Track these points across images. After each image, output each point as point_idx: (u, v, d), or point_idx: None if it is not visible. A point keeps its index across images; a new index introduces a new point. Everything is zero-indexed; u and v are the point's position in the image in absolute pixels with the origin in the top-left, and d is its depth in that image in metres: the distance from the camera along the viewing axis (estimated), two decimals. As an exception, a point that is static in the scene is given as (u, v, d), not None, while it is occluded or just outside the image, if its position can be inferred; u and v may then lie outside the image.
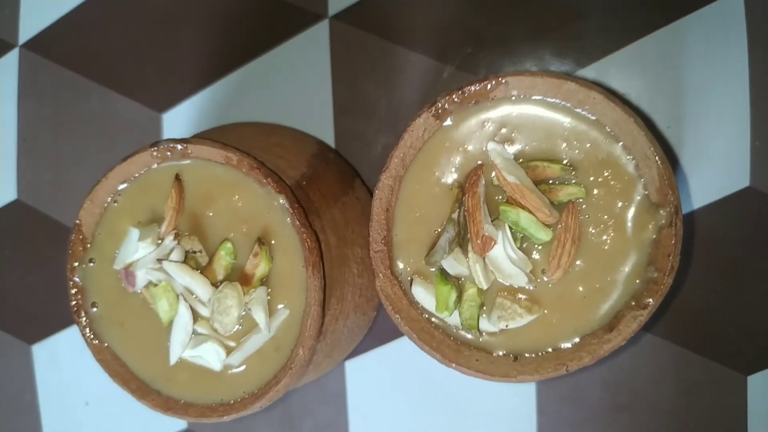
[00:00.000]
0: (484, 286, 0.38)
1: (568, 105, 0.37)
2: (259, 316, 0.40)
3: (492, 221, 0.38)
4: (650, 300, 0.36)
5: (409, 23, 0.53)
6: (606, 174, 0.37)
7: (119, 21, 0.60)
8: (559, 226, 0.38)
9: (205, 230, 0.42)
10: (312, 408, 0.57)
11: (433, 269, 0.40)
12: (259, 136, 0.47)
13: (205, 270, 0.42)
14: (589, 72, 0.50)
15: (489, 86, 0.38)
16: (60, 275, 0.61)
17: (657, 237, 0.37)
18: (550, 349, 0.39)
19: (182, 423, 0.60)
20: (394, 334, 0.55)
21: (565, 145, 0.38)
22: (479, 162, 0.39)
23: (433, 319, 0.41)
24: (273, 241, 0.41)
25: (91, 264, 0.44)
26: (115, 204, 0.43)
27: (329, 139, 0.54)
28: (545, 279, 0.39)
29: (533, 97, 0.38)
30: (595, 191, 0.38)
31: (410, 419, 0.55)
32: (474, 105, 0.39)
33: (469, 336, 0.40)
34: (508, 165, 0.38)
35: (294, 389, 0.56)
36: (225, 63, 0.57)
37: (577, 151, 0.38)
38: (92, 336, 0.44)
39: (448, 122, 0.39)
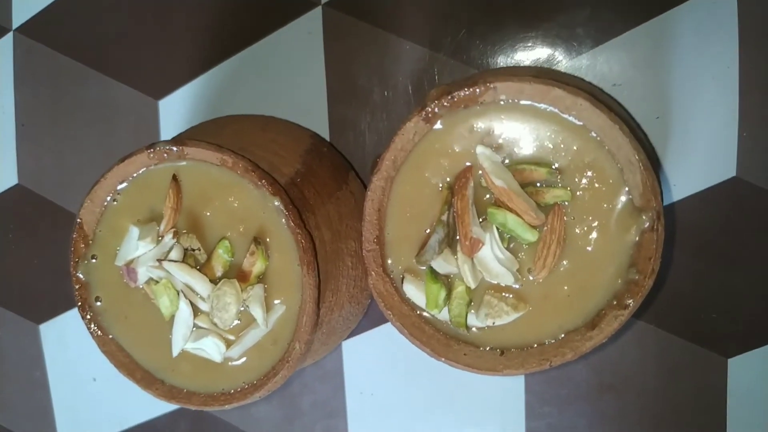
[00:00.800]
0: (473, 285, 0.40)
1: (556, 110, 0.38)
2: (257, 312, 0.42)
3: (480, 222, 0.40)
4: (631, 301, 0.38)
5: (402, 11, 0.53)
6: (591, 177, 0.38)
7: (114, 6, 0.60)
8: (545, 227, 0.39)
9: (203, 229, 0.43)
10: (311, 385, 0.59)
11: (424, 267, 0.41)
12: (254, 132, 0.48)
13: (203, 267, 0.43)
14: (580, 61, 0.51)
15: (478, 91, 0.38)
16: (64, 258, 0.63)
17: (639, 240, 0.38)
18: (535, 345, 0.40)
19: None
20: (382, 321, 0.57)
21: (552, 148, 0.39)
22: (468, 164, 0.40)
23: (423, 314, 0.42)
24: (269, 240, 0.42)
25: (94, 260, 0.45)
26: (115, 203, 0.44)
27: (323, 128, 0.55)
28: (531, 278, 0.40)
29: (521, 102, 0.39)
30: (581, 194, 0.39)
31: (404, 395, 0.58)
32: (463, 109, 0.39)
33: (458, 330, 0.41)
34: (495, 168, 0.39)
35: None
36: (220, 50, 0.57)
37: (563, 155, 0.39)
38: (97, 329, 0.45)
39: (438, 126, 0.40)
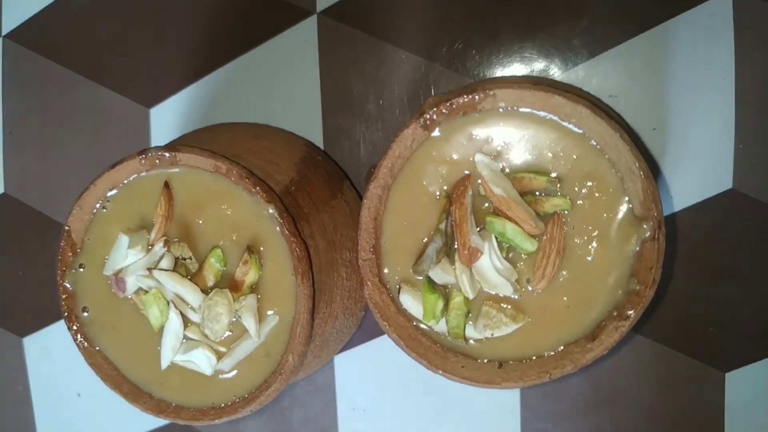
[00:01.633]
0: (471, 296, 0.39)
1: (555, 118, 0.38)
2: (249, 323, 0.41)
3: (479, 230, 0.39)
4: (632, 312, 0.37)
5: (398, 21, 0.53)
6: (591, 186, 0.38)
7: (105, 13, 0.59)
8: (545, 237, 0.38)
9: (195, 237, 0.42)
10: (302, 399, 0.58)
11: (421, 278, 0.41)
12: (249, 139, 0.47)
13: (195, 277, 0.42)
14: (577, 72, 0.50)
15: (477, 98, 0.38)
16: (49, 269, 0.62)
17: (640, 249, 0.37)
18: (534, 357, 0.40)
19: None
20: (382, 330, 0.56)
21: (551, 157, 0.38)
22: (466, 172, 0.40)
23: (420, 326, 0.41)
24: (262, 249, 0.41)
25: (81, 269, 0.44)
26: (104, 210, 0.43)
27: (317, 138, 0.54)
28: (530, 288, 0.39)
29: (521, 110, 0.38)
30: (580, 203, 0.38)
31: (397, 411, 0.57)
32: (462, 116, 0.39)
33: (456, 342, 0.40)
34: (494, 177, 0.38)
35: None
36: (213, 58, 0.57)
37: (563, 163, 0.38)
38: (84, 340, 0.44)
39: (436, 133, 0.40)
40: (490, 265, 0.39)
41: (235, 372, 0.43)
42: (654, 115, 0.50)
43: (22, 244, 0.63)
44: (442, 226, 0.39)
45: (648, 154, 0.50)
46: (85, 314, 0.44)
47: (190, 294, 0.41)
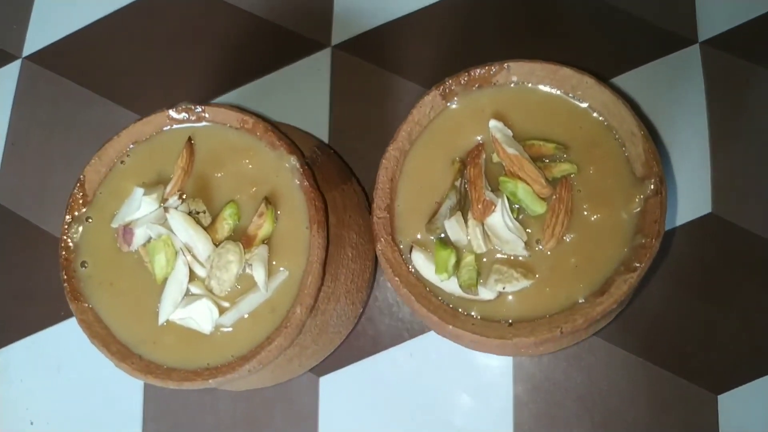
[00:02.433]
0: (483, 249, 0.40)
1: (563, 90, 0.42)
2: (259, 272, 0.40)
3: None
4: (639, 263, 0.38)
5: (406, 55, 0.59)
6: (596, 153, 0.41)
7: (126, 39, 0.63)
8: (554, 197, 0.40)
9: (212, 192, 0.43)
10: (281, 429, 0.55)
11: (433, 237, 0.41)
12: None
13: (207, 230, 0.42)
14: (566, 106, 0.56)
15: (493, 70, 0.42)
16: (27, 281, 0.60)
17: (643, 208, 0.40)
18: (545, 316, 0.40)
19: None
20: (369, 350, 0.54)
21: (559, 127, 0.42)
22: (479, 139, 0.42)
23: (428, 289, 0.41)
24: (278, 204, 0.42)
25: (88, 222, 0.44)
26: (122, 164, 0.44)
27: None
28: (540, 248, 0.41)
29: (531, 84, 0.42)
30: (586, 169, 0.41)
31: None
32: (477, 89, 0.43)
33: (466, 298, 0.40)
34: (507, 140, 0.41)
35: (265, 407, 0.54)
36: (228, 81, 0.60)
37: (569, 133, 0.42)
38: (76, 296, 0.42)
39: (453, 104, 0.43)
40: (502, 223, 0.40)
41: (235, 329, 0.41)
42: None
43: (3, 254, 0.61)
44: (457, 183, 0.41)
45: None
46: (84, 269, 0.43)
47: (201, 243, 0.41)
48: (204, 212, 0.42)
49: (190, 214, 0.42)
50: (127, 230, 0.42)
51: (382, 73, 0.58)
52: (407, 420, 0.53)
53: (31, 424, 0.58)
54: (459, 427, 0.53)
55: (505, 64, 0.42)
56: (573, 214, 0.41)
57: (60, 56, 0.64)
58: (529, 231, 0.41)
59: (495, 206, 0.40)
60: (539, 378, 0.52)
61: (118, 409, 0.57)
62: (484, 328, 0.39)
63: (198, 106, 0.43)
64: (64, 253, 0.43)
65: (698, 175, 0.53)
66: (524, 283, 0.40)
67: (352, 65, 0.59)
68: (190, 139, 0.43)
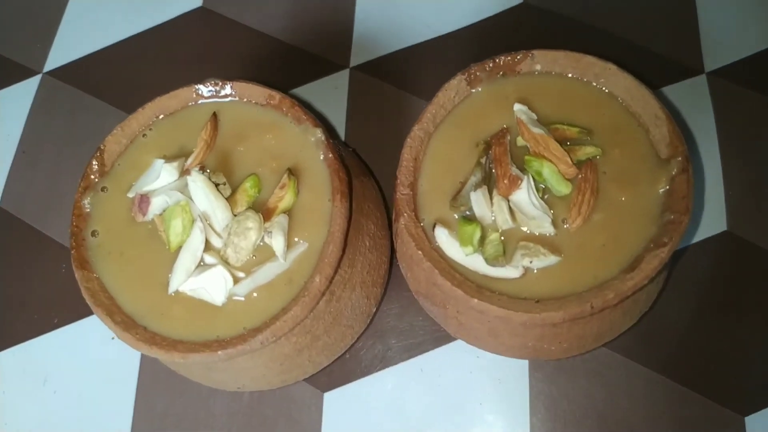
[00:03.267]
0: (510, 224, 0.39)
1: (586, 78, 0.43)
2: (278, 240, 0.39)
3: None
4: (669, 238, 0.38)
5: (420, 76, 0.60)
6: (619, 137, 0.41)
7: (150, 58, 0.65)
8: (579, 176, 0.40)
9: (233, 166, 0.42)
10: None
11: (457, 215, 0.41)
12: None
13: (227, 201, 0.41)
14: (579, 128, 0.57)
15: (517, 58, 0.43)
16: (21, 288, 0.57)
17: (670, 187, 0.39)
18: (572, 295, 0.38)
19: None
20: (377, 364, 0.52)
21: (582, 113, 0.42)
22: (505, 127, 0.43)
23: (453, 264, 0.40)
24: (300, 177, 0.41)
25: (104, 192, 0.43)
26: (144, 137, 0.44)
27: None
28: (566, 227, 0.40)
29: (555, 72, 0.43)
30: (611, 152, 0.41)
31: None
32: (502, 77, 0.43)
33: (491, 276, 0.39)
34: (532, 122, 0.41)
35: (265, 424, 0.51)
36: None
37: (593, 119, 0.42)
38: (82, 264, 0.41)
39: (478, 89, 0.44)
40: (527, 200, 0.40)
41: (249, 300, 0.39)
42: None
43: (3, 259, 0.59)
44: (483, 160, 0.41)
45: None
46: (94, 238, 0.42)
47: (221, 210, 0.40)
48: (224, 184, 0.42)
49: (209, 185, 0.42)
50: (144, 199, 0.41)
51: (396, 92, 0.60)
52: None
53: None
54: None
55: (530, 53, 0.43)
56: (599, 195, 0.40)
57: (80, 71, 0.65)
58: (553, 213, 0.40)
59: (521, 181, 0.39)
60: (557, 395, 0.50)
61: (105, 428, 0.53)
62: (510, 303, 0.38)
63: (226, 82, 0.43)
64: (75, 220, 0.41)
65: (713, 194, 0.54)
66: (551, 259, 0.39)
67: (368, 85, 0.60)
68: (215, 114, 0.43)
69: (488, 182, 0.41)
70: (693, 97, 0.57)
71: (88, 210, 0.42)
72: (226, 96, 0.43)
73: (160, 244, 0.41)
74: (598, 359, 0.50)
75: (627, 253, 0.39)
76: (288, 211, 0.41)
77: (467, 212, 0.41)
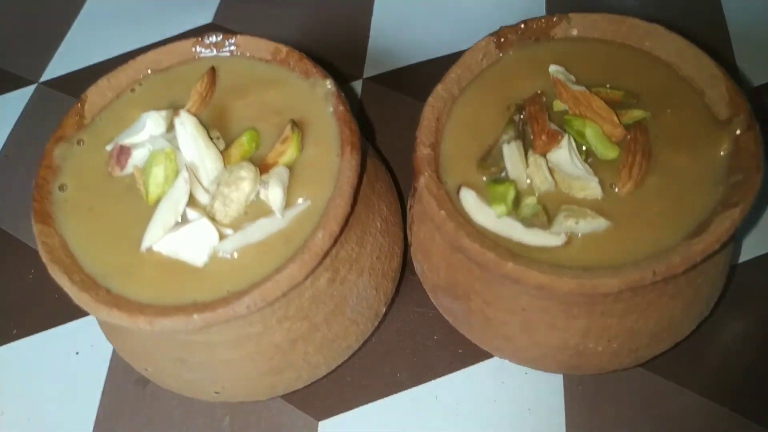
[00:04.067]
0: (549, 182, 0.33)
1: (629, 42, 0.38)
2: (276, 193, 0.33)
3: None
4: (741, 198, 0.31)
5: (430, 87, 0.56)
6: (670, 101, 0.36)
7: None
8: (628, 137, 0.35)
9: (229, 122, 0.37)
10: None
11: (486, 179, 0.35)
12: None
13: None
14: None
15: (553, 21, 0.39)
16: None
17: (734, 147, 0.34)
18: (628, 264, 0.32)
19: None
20: (382, 390, 0.44)
21: (626, 78, 0.38)
22: (539, 91, 0.38)
23: (480, 229, 0.34)
24: (305, 132, 0.36)
25: (79, 145, 0.37)
26: (132, 92, 0.39)
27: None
28: (615, 190, 0.34)
29: (594, 36, 0.39)
30: (661, 115, 0.36)
31: None
32: (534, 42, 0.39)
33: (527, 245, 0.32)
34: (570, 82, 0.37)
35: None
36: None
37: (639, 83, 0.37)
38: (43, 218, 0.34)
39: (509, 54, 0.39)
40: (568, 159, 0.34)
41: (237, 260, 0.32)
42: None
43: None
44: (516, 117, 0.36)
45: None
46: (61, 192, 0.36)
47: (210, 160, 0.34)
48: (218, 138, 0.36)
49: (201, 139, 0.36)
50: (123, 150, 0.36)
51: (407, 101, 0.56)
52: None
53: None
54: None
55: (566, 16, 0.39)
56: (652, 159, 0.35)
57: (76, 81, 0.62)
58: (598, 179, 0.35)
59: (562, 137, 0.34)
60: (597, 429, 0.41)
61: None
62: (552, 269, 0.31)
63: (229, 35, 0.39)
64: (41, 172, 0.36)
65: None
66: (600, 222, 0.32)
67: (381, 94, 0.57)
68: (213, 68, 0.39)
69: (523, 140, 0.35)
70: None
71: (59, 163, 0.36)
72: (227, 50, 0.39)
73: (136, 198, 0.35)
74: (647, 388, 0.42)
75: (691, 218, 0.33)
76: (290, 167, 0.35)
77: (499, 175, 0.35)
